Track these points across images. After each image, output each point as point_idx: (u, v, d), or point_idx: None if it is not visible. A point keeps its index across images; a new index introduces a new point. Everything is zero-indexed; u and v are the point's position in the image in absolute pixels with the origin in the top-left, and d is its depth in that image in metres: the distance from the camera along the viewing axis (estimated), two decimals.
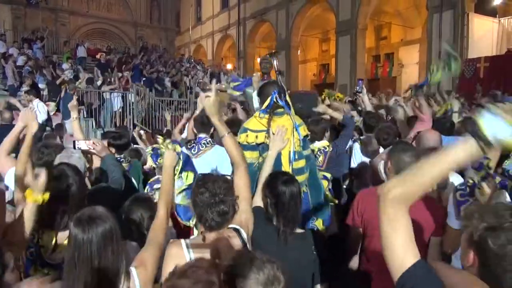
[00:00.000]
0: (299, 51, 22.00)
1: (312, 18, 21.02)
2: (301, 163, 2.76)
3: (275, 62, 4.23)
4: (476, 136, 1.04)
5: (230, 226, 1.88)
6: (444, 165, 1.11)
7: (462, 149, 1.08)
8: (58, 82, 11.89)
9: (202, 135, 3.98)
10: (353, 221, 2.58)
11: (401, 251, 1.09)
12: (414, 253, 1.10)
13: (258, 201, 2.28)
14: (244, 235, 1.90)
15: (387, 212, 1.13)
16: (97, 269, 1.48)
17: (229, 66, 23.39)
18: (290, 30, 21.13)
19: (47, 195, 1.82)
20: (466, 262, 1.14)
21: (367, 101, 5.25)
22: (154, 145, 2.79)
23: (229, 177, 1.97)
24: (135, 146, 5.09)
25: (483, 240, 1.09)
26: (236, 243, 1.82)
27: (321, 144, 3.89)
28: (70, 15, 24.75)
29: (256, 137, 2.79)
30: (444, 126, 3.82)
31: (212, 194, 1.77)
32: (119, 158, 3.40)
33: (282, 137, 2.59)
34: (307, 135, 2.99)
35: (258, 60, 21.67)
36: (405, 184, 1.14)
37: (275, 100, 2.71)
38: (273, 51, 5.56)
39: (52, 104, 10.80)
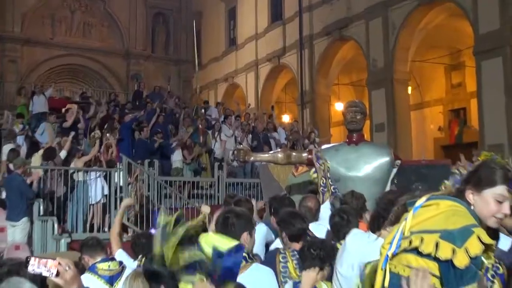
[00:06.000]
0: (410, 88, 13.26)
1: (429, 30, 13.06)
2: None
3: None
4: None
5: None
6: None
7: None
8: None
9: None
10: None
11: None
12: None
13: None
14: None
15: None
16: None
17: (286, 118, 14.49)
18: (392, 54, 12.78)
19: None
20: None
21: None
22: None
23: None
24: None
25: None
26: None
27: None
28: (23, 45, 16.84)
29: None
30: None
31: None
32: None
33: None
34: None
35: (340, 107, 12.95)
36: None
37: None
38: None
39: None
